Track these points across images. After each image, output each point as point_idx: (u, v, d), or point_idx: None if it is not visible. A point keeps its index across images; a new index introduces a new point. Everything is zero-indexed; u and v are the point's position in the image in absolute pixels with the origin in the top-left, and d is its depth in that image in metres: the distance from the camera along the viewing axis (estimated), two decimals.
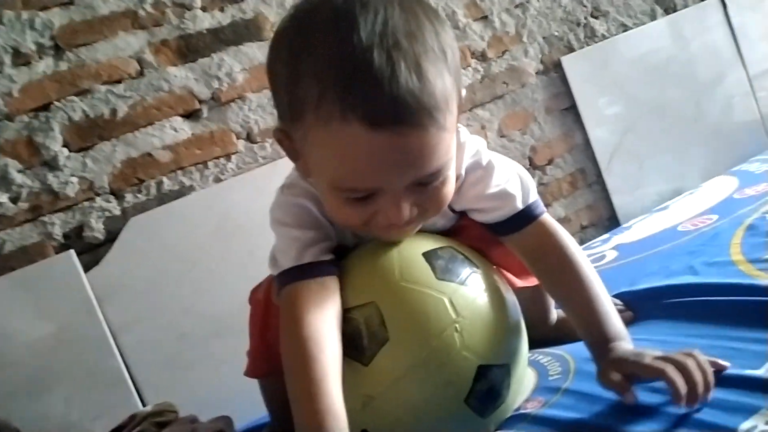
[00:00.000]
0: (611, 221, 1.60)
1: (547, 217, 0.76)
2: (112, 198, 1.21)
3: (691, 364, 0.56)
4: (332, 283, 0.68)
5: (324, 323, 0.64)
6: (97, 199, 1.20)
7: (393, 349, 0.63)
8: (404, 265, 0.67)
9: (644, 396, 0.61)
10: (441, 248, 0.70)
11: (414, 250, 0.69)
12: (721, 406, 0.55)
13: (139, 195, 1.22)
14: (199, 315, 1.20)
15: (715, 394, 0.57)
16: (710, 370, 0.57)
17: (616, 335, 0.65)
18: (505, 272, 0.80)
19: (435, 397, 0.64)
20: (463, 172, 0.73)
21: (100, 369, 1.15)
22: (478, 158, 0.74)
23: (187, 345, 1.20)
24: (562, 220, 1.58)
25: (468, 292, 0.67)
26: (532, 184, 0.77)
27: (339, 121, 0.55)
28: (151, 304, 1.19)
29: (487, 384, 0.66)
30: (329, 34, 0.56)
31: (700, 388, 0.55)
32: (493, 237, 0.76)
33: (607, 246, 1.30)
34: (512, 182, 0.74)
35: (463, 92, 0.64)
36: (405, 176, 0.60)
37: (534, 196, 0.76)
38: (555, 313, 0.93)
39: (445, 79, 0.57)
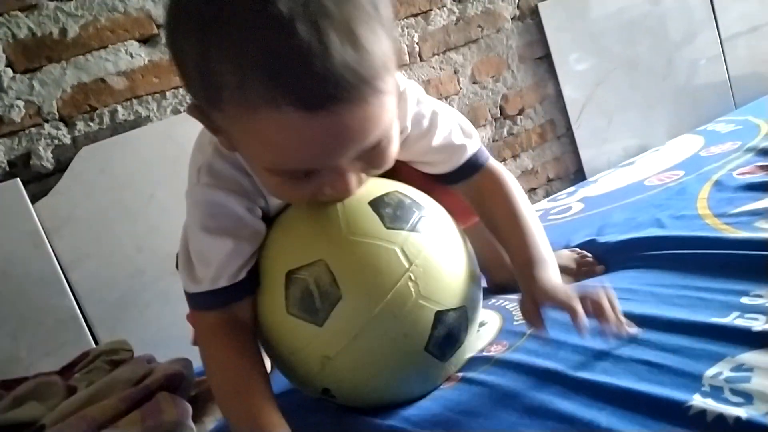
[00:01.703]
0: (577, 174, 1.60)
1: (492, 163, 0.75)
2: (61, 125, 1.13)
3: (601, 295, 0.60)
4: (246, 306, 0.67)
5: (244, 347, 0.65)
6: (46, 125, 1.12)
7: (347, 307, 0.60)
8: (350, 218, 0.63)
9: (612, 348, 0.61)
10: (387, 194, 0.66)
11: (359, 199, 0.65)
12: (685, 353, 0.55)
13: (91, 123, 1.15)
14: (152, 252, 1.16)
15: (681, 341, 0.57)
16: (617, 302, 0.61)
17: (541, 261, 0.67)
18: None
19: (394, 349, 0.62)
20: (408, 125, 0.69)
21: (50, 305, 1.10)
22: (421, 108, 0.70)
23: (141, 283, 1.16)
24: (530, 172, 1.57)
25: (419, 238, 0.64)
26: (473, 131, 0.75)
27: (267, 108, 0.48)
28: (102, 239, 1.14)
29: (445, 329, 0.64)
30: (242, 1, 0.47)
31: (609, 312, 0.59)
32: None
33: (573, 198, 1.30)
34: (456, 132, 0.72)
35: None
36: (348, 153, 0.54)
37: (478, 144, 0.74)
38: None
39: (382, 40, 0.50)
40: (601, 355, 0.60)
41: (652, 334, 0.61)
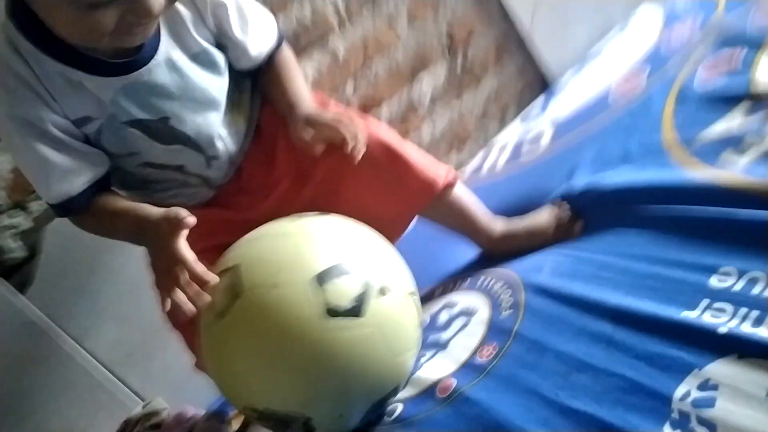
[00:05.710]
0: (545, 79, 1.53)
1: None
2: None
3: (354, 121, 0.78)
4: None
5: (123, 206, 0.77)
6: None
7: None
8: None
9: (590, 354, 0.62)
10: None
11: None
12: (657, 363, 0.56)
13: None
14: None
15: (654, 346, 0.58)
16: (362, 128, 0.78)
17: (305, 100, 0.84)
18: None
19: None
20: None
21: (75, 378, 1.15)
22: None
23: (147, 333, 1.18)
24: (497, 90, 1.52)
25: None
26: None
27: None
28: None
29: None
30: None
31: (361, 137, 0.76)
32: (347, 171, 0.81)
33: (544, 121, 1.27)
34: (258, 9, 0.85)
35: None
36: None
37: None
38: (495, 223, 0.93)
39: None
40: (582, 367, 0.61)
41: (626, 333, 0.61)
